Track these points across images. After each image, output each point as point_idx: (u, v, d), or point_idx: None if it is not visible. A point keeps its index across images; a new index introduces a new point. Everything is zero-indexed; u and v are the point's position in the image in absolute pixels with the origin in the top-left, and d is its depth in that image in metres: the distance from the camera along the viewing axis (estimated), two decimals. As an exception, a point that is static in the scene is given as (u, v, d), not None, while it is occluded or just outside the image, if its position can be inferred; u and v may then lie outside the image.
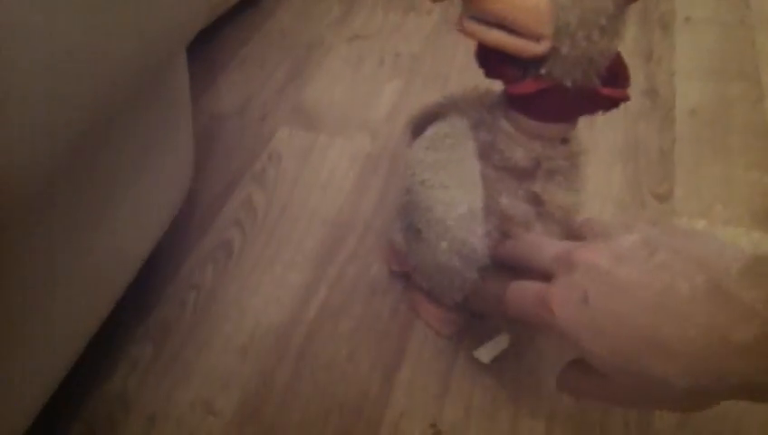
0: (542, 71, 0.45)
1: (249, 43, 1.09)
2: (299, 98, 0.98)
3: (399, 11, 1.18)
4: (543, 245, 0.48)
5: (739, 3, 1.24)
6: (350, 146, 0.90)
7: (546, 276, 0.45)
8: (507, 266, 0.52)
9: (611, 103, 0.48)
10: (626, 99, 0.47)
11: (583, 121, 0.52)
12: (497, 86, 0.53)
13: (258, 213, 0.81)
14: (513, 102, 0.50)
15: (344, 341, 0.68)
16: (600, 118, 0.50)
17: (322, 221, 0.80)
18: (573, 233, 0.52)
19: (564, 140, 0.52)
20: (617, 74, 0.47)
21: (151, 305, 0.72)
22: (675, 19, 1.17)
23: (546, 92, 0.46)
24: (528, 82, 0.47)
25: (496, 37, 0.44)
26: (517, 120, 0.51)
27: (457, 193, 0.53)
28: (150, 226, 0.64)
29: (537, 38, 0.43)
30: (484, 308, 0.62)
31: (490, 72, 0.49)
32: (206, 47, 1.07)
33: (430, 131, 0.59)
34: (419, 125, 0.63)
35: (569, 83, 0.46)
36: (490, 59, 0.48)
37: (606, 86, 0.47)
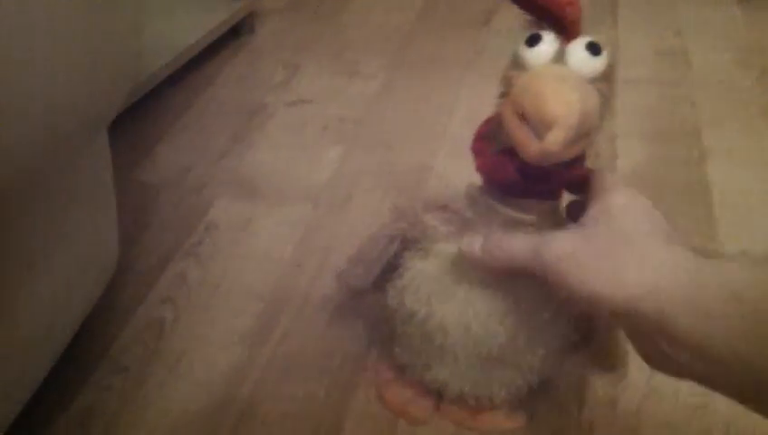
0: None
1: (189, 110, 1.07)
2: (238, 166, 0.96)
3: (344, 75, 1.17)
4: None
5: (680, 62, 1.26)
6: (289, 215, 0.88)
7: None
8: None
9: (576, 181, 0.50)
10: (586, 178, 0.49)
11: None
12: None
13: (191, 289, 0.78)
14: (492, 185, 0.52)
15: (276, 427, 0.65)
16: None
17: (258, 296, 0.78)
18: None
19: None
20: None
21: (75, 391, 0.68)
22: (615, 80, 1.18)
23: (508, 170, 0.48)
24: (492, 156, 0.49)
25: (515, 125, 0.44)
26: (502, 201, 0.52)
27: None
28: (73, 305, 0.61)
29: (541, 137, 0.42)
30: None
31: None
32: (144, 115, 1.05)
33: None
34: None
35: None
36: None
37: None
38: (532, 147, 0.42)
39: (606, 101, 0.45)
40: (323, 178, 0.94)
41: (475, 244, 0.48)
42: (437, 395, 0.64)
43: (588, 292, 0.40)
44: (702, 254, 0.39)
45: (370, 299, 0.64)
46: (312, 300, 0.77)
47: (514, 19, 1.28)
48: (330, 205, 0.90)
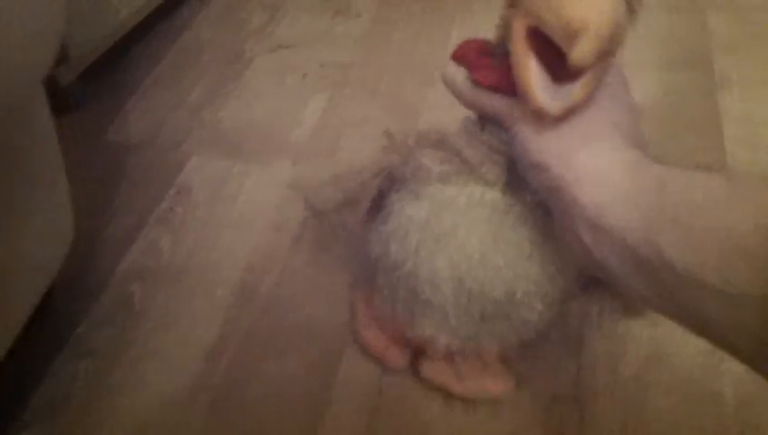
0: None
1: (162, 61, 1.00)
2: (214, 121, 0.90)
3: (327, 15, 1.09)
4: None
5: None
6: (268, 174, 0.82)
7: None
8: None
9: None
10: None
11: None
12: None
13: (163, 260, 0.73)
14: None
15: (253, 410, 0.61)
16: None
17: (234, 265, 0.73)
18: None
19: None
20: None
21: (37, 380, 0.64)
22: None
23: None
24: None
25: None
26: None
27: (512, 271, 0.47)
28: (26, 283, 0.57)
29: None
30: None
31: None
32: (114, 70, 0.98)
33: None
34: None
35: None
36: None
37: None
38: (537, 98, 0.37)
39: (633, 11, 0.38)
40: (304, 133, 0.88)
41: (458, 75, 0.45)
42: (420, 348, 0.59)
43: (538, 160, 0.39)
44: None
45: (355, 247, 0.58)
46: (292, 266, 0.72)
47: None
48: (311, 161, 0.84)
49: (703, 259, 0.31)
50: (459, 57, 0.44)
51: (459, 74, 0.44)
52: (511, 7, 0.39)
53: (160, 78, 0.97)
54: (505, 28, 0.40)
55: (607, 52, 0.35)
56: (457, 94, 0.45)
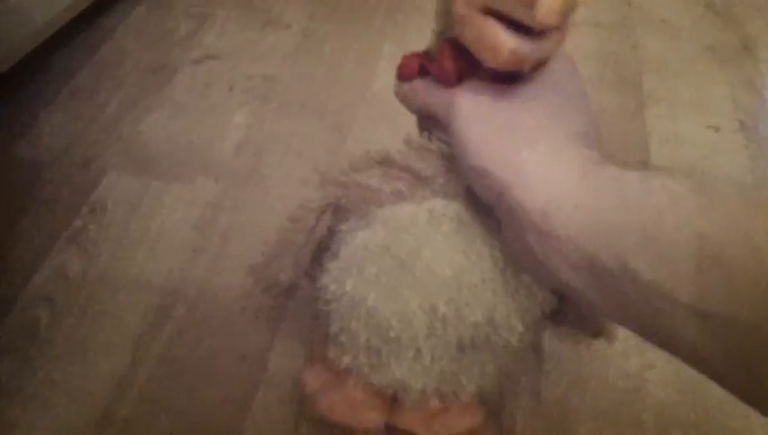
0: None
1: (81, 71, 0.96)
2: (133, 135, 0.86)
3: (256, 26, 1.06)
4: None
5: (620, 1, 1.18)
6: (187, 191, 0.79)
7: None
8: None
9: None
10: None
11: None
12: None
13: (72, 283, 0.70)
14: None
15: (161, 444, 0.58)
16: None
17: (148, 288, 0.69)
18: None
19: None
20: None
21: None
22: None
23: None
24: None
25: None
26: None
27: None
28: None
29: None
30: None
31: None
32: (28, 82, 0.93)
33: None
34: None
35: None
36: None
37: None
38: (507, 43, 0.33)
39: None
40: (228, 148, 0.85)
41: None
42: (391, 397, 0.52)
43: (477, 164, 0.35)
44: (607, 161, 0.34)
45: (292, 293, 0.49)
46: (209, 291, 0.69)
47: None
48: (235, 179, 0.81)
49: (672, 271, 0.28)
50: (405, 71, 0.41)
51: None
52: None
53: (77, 91, 0.93)
54: (446, 15, 0.36)
55: (570, 9, 0.32)
56: (404, 96, 0.42)
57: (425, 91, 0.40)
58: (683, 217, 0.29)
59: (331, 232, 0.45)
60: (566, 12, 0.31)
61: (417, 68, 0.41)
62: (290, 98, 0.94)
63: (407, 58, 0.41)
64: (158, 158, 0.83)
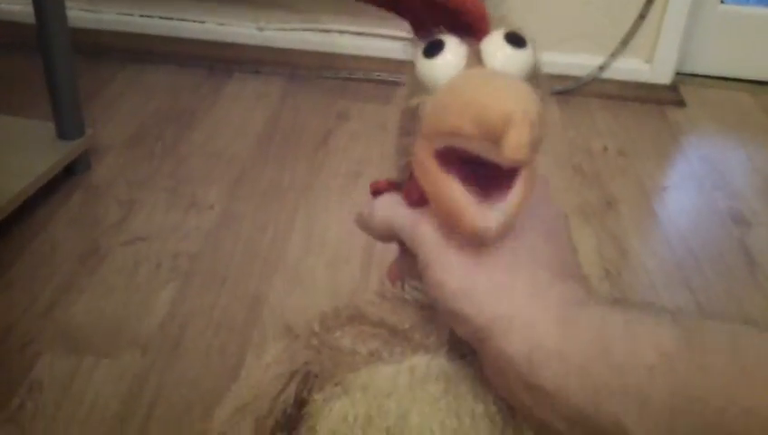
0: None
1: (17, 262, 1.05)
2: (67, 317, 0.95)
3: (181, 209, 1.19)
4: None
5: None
6: (116, 366, 0.88)
7: None
8: None
9: None
10: None
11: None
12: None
13: (9, 461, 0.76)
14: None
15: None
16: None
17: (80, 460, 0.76)
18: None
19: None
20: None
21: None
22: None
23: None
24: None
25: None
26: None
27: None
28: None
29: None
30: None
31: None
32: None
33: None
34: None
35: None
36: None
37: None
38: (470, 215, 0.30)
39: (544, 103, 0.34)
40: (154, 323, 0.95)
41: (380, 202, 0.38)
42: None
43: (455, 310, 0.32)
44: (587, 290, 0.33)
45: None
46: (135, 458, 0.77)
47: (348, 138, 1.35)
48: (159, 351, 0.90)
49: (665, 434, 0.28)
50: (377, 189, 0.39)
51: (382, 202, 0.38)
52: (407, 135, 0.35)
53: (12, 282, 1.02)
54: (406, 157, 0.35)
55: (538, 143, 0.29)
56: (365, 222, 0.38)
57: (390, 208, 0.37)
58: (677, 381, 0.28)
59: (302, 401, 0.41)
60: (535, 144, 0.28)
61: (386, 186, 0.39)
62: (212, 273, 1.05)
63: (378, 181, 0.39)
64: (89, 336, 0.92)
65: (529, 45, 0.33)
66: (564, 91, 1.67)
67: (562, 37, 1.69)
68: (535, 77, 0.34)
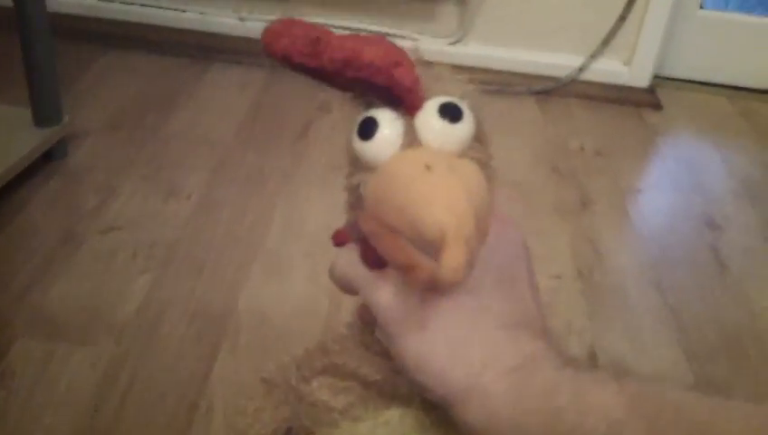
0: None
1: (-9, 246, 1.05)
2: (42, 303, 0.95)
3: (159, 196, 1.19)
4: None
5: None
6: (91, 354, 0.88)
7: None
8: None
9: None
10: None
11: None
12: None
13: (-20, 446, 0.76)
14: None
15: None
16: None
17: (53, 447, 0.76)
18: None
19: None
20: None
21: None
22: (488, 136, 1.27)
23: None
24: None
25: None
26: None
27: None
28: None
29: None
30: None
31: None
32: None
33: None
34: None
35: None
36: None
37: None
38: (424, 272, 0.30)
39: (488, 167, 0.35)
40: (130, 311, 0.95)
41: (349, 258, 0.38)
42: None
43: (417, 379, 0.34)
44: (544, 342, 0.34)
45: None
46: (108, 446, 0.77)
47: (329, 129, 1.35)
48: (134, 339, 0.90)
49: None
50: (338, 237, 0.39)
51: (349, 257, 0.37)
52: (353, 209, 0.36)
53: (-12, 264, 1.02)
54: (355, 226, 0.35)
55: (478, 246, 0.30)
56: (353, 282, 0.37)
57: (350, 267, 0.37)
58: None
59: None
60: (470, 261, 0.29)
61: (348, 237, 0.38)
62: (189, 261, 1.05)
63: (342, 229, 0.39)
64: (64, 323, 0.92)
65: (465, 115, 0.33)
66: (544, 90, 1.68)
67: (542, 37, 1.70)
68: (479, 136, 0.34)
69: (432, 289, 0.32)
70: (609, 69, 1.71)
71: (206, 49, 1.68)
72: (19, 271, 1.00)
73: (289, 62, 0.33)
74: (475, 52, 1.71)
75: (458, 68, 1.70)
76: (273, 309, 0.98)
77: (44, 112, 1.20)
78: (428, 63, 0.36)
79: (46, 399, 0.82)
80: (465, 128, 0.33)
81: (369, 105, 0.34)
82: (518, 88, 1.67)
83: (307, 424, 0.40)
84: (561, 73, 1.70)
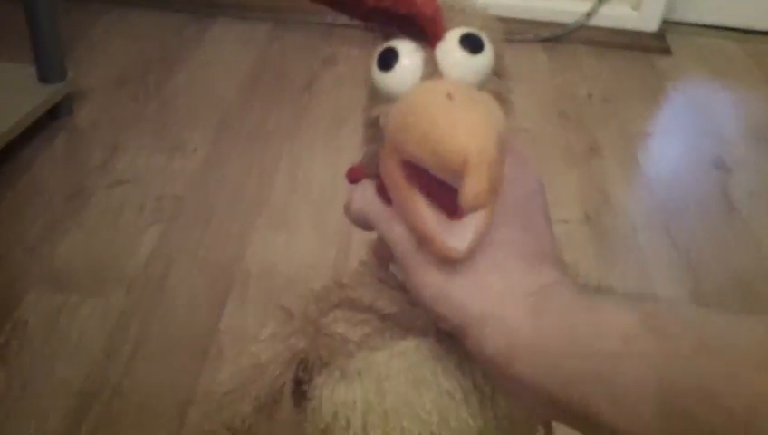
0: None
1: (2, 202, 1.05)
2: (52, 255, 0.96)
3: (165, 151, 1.19)
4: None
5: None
6: (102, 303, 0.89)
7: None
8: None
9: None
10: None
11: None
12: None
13: (-4, 394, 0.78)
14: None
15: None
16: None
17: (68, 392, 0.78)
18: None
19: None
20: None
21: None
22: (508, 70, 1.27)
23: None
24: None
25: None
26: None
27: None
28: None
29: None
30: None
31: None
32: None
33: None
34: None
35: None
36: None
37: None
38: (438, 240, 0.32)
39: (507, 102, 0.35)
40: (139, 263, 0.96)
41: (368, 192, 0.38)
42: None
43: (434, 310, 0.34)
44: (560, 271, 0.34)
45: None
46: (121, 392, 0.78)
47: (333, 83, 1.35)
48: (144, 290, 0.91)
49: (635, 417, 0.29)
50: (352, 174, 0.39)
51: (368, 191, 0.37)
52: (372, 142, 0.36)
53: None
54: (373, 162, 0.36)
55: (497, 180, 0.30)
56: (347, 209, 0.39)
57: (366, 202, 0.37)
58: (639, 364, 0.29)
59: (302, 382, 0.43)
60: (493, 186, 0.29)
61: (363, 173, 0.39)
62: (196, 215, 1.05)
63: (357, 164, 0.39)
64: (75, 275, 0.93)
65: (486, 47, 0.33)
66: (552, 37, 1.66)
67: (550, -17, 1.67)
68: (498, 70, 0.34)
69: (442, 258, 0.32)
70: (618, 13, 1.69)
71: (209, 5, 1.67)
72: (30, 226, 1.01)
73: None
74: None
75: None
76: (281, 260, 0.99)
77: (48, 69, 1.20)
78: None
79: (59, 348, 0.83)
80: (485, 59, 0.33)
81: (389, 36, 0.34)
82: (526, 35, 1.65)
83: (323, 355, 0.40)
84: (570, 20, 1.67)
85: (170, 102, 1.33)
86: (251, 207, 1.08)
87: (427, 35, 0.33)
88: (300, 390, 0.43)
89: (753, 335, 0.29)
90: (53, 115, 1.23)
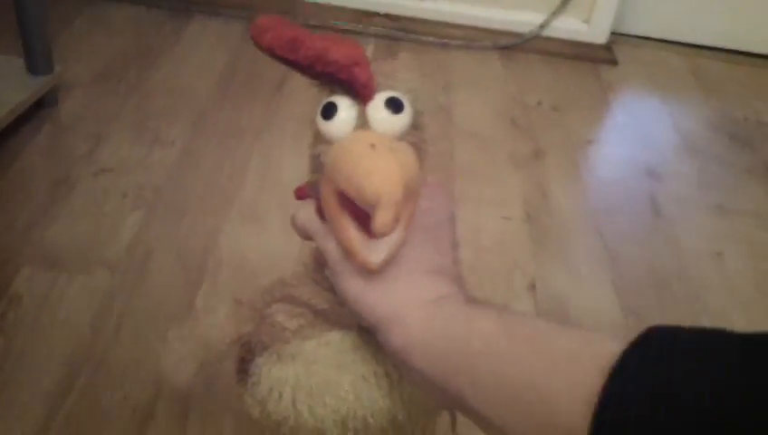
0: None
1: (-6, 187, 1.15)
2: (43, 238, 1.06)
3: (145, 143, 1.29)
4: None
5: (444, 118, 1.48)
6: (88, 283, 0.99)
7: None
8: None
9: None
10: None
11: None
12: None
13: (-4, 361, 0.88)
14: None
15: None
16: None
17: (58, 361, 0.88)
18: None
19: None
20: None
21: None
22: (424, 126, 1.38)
23: None
24: None
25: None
26: None
27: None
28: None
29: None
30: None
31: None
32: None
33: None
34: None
35: None
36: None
37: None
38: (360, 255, 0.41)
39: (421, 150, 0.44)
40: (122, 246, 1.06)
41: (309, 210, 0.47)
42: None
43: (353, 308, 0.43)
44: (457, 287, 0.43)
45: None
46: (106, 361, 0.89)
47: (304, 83, 1.45)
48: (127, 271, 1.02)
49: (497, 410, 0.36)
50: (299, 192, 0.49)
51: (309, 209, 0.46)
52: (314, 172, 0.44)
53: (-8, 202, 1.12)
54: (314, 187, 0.45)
55: (407, 208, 0.40)
56: (310, 231, 0.47)
57: (307, 218, 0.46)
58: (493, 361, 0.37)
59: (246, 361, 0.52)
60: (399, 219, 0.38)
61: (307, 193, 0.48)
62: (174, 204, 1.16)
63: (302, 186, 0.49)
64: (64, 256, 1.03)
65: (406, 108, 0.42)
66: (507, 46, 1.78)
67: (509, -5, 1.80)
68: (417, 125, 0.43)
69: (361, 269, 0.42)
70: (569, 26, 1.82)
71: (186, 1, 1.76)
72: (21, 210, 1.11)
73: (272, 54, 0.43)
74: (444, 8, 1.81)
75: (427, 23, 1.80)
76: (250, 250, 1.09)
77: (37, 61, 1.28)
78: (388, 60, 0.47)
79: (50, 320, 0.93)
80: (404, 118, 0.42)
81: (332, 92, 0.43)
82: (484, 43, 1.77)
83: (264, 339, 0.50)
84: (525, 30, 1.80)
85: (150, 97, 1.43)
86: (223, 199, 1.19)
87: (360, 96, 0.42)
88: (243, 367, 0.52)
89: (571, 342, 0.37)
90: (39, 105, 1.32)
